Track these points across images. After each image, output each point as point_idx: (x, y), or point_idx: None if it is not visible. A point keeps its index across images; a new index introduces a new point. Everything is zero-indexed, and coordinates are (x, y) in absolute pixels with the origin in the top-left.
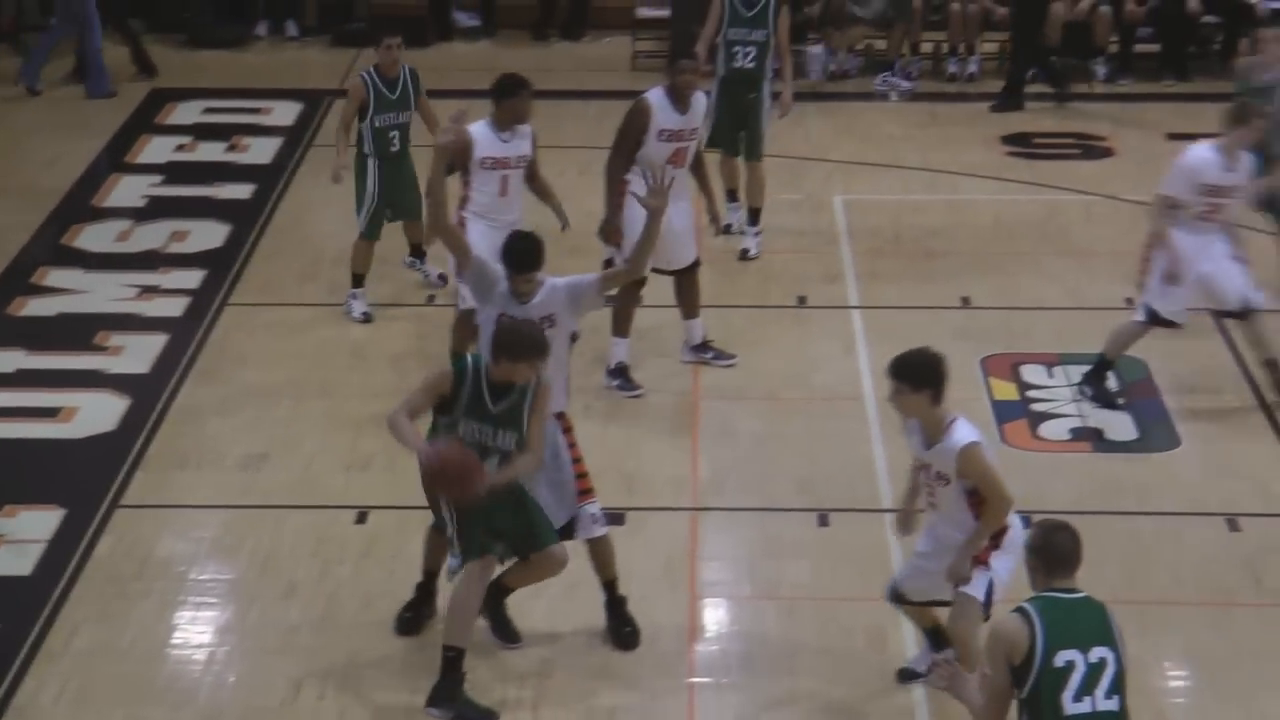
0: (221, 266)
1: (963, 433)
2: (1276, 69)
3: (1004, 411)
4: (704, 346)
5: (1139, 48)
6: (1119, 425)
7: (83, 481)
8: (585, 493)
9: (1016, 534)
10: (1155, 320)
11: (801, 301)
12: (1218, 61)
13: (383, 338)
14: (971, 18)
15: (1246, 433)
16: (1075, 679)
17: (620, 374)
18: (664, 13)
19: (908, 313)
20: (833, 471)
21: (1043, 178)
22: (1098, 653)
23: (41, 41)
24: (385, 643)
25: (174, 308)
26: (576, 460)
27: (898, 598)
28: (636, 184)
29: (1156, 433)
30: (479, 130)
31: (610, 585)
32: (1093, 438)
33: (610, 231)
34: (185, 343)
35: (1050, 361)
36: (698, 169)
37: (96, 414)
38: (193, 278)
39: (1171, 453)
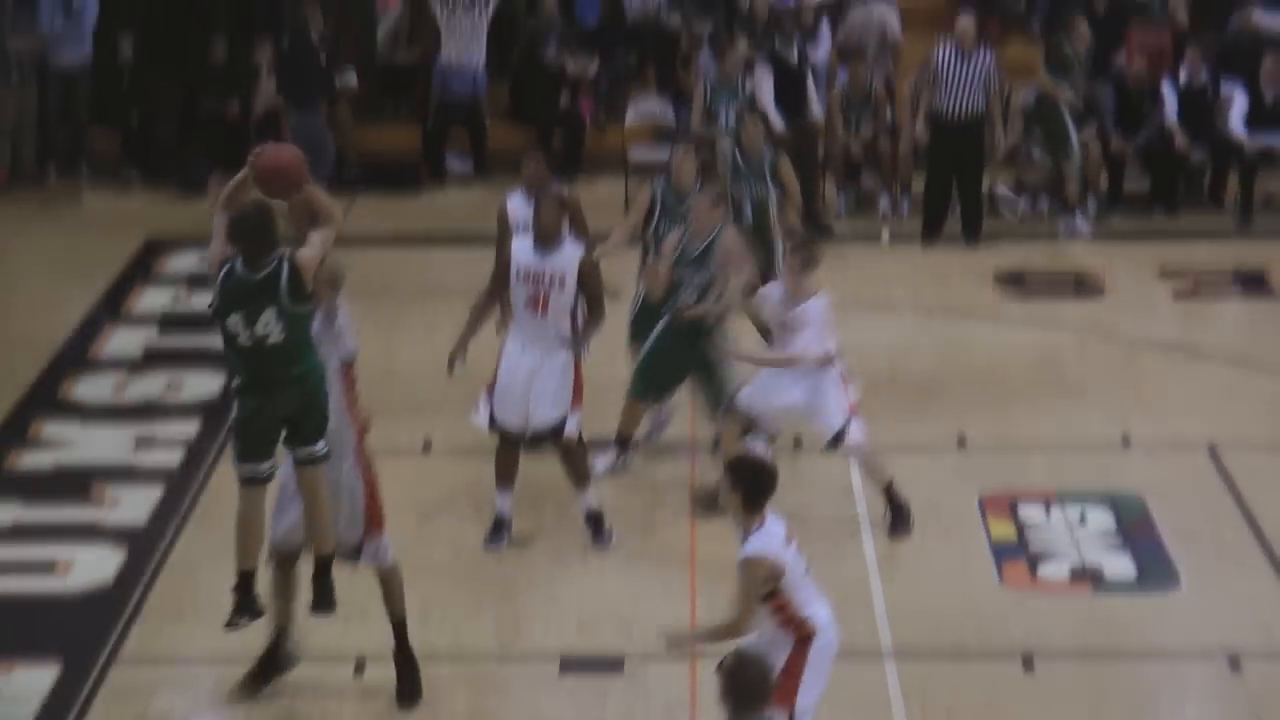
0: (217, 417)
1: (751, 543)
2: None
3: (1003, 552)
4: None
5: (1128, 185)
6: (1118, 565)
7: (79, 636)
8: (374, 527)
9: (823, 644)
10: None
11: (797, 443)
12: (1207, 197)
13: None
14: (904, 156)
15: (1246, 571)
16: None
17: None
18: (656, 156)
19: (904, 453)
20: (831, 612)
21: (1035, 315)
22: None
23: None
24: None
25: (170, 459)
26: (371, 493)
27: None
28: (513, 330)
29: (1156, 572)
30: (513, 201)
31: (398, 626)
32: (1092, 578)
33: (452, 354)
34: (182, 494)
35: (1048, 500)
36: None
37: (93, 567)
38: (189, 428)
39: (1172, 593)
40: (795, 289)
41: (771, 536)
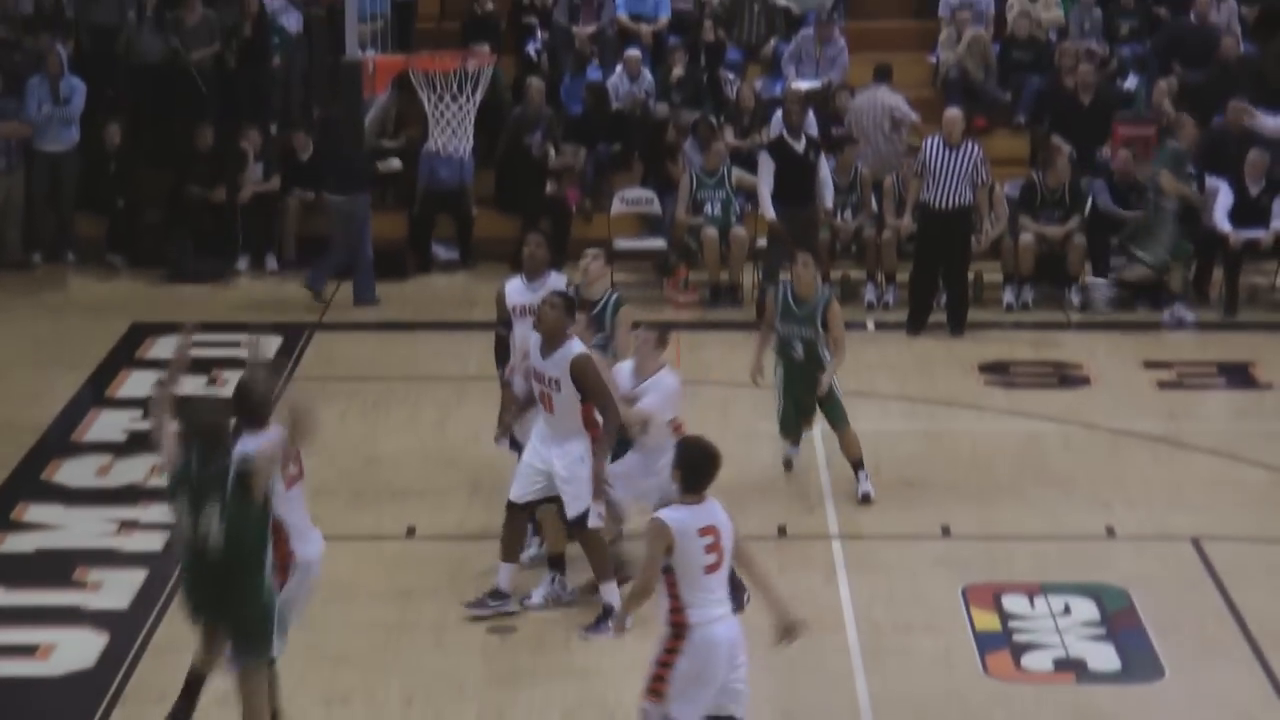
0: None
1: (664, 509)
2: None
3: (986, 642)
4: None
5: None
6: (1102, 656)
7: (61, 719)
8: None
9: (698, 643)
10: None
11: (781, 531)
12: (1192, 289)
13: (362, 574)
14: (887, 245)
15: (1230, 663)
16: None
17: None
18: (642, 244)
19: (888, 542)
20: (815, 704)
21: (1020, 405)
22: None
23: (330, 255)
24: None
25: (153, 542)
26: None
27: None
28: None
29: (1140, 663)
30: (510, 285)
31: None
32: (1076, 669)
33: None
34: (164, 577)
35: (1031, 591)
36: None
37: (75, 651)
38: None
39: (1155, 684)
40: (643, 366)
41: (689, 515)
